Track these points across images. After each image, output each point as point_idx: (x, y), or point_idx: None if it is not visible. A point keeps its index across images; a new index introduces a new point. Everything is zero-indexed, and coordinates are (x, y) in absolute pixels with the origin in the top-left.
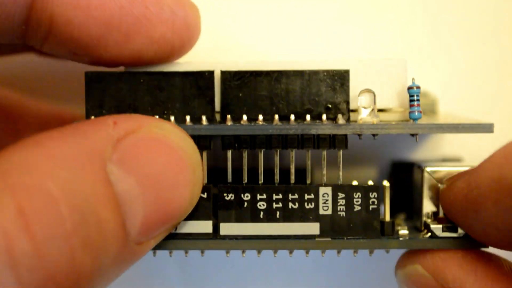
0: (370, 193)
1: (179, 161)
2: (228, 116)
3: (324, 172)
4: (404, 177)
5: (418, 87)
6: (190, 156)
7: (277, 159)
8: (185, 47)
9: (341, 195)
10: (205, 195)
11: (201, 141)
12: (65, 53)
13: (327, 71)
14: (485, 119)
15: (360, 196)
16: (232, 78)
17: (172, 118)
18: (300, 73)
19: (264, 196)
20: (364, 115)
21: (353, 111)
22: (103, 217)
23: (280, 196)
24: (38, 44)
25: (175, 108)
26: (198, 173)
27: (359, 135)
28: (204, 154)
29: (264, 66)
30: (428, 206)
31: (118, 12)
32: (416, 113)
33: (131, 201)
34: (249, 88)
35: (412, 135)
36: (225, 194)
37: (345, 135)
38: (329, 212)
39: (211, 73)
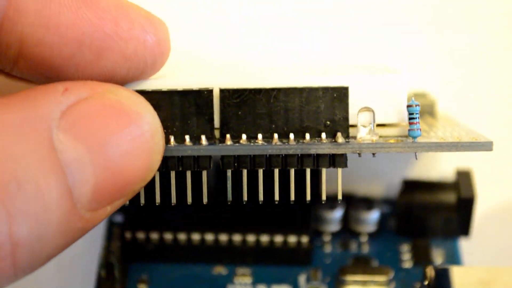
0: None
1: (134, 127)
2: (228, 136)
3: (324, 189)
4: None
5: (417, 105)
6: (147, 122)
7: (276, 178)
8: (157, 63)
9: None
10: None
11: (200, 161)
12: (36, 76)
13: (326, 88)
14: (484, 120)
15: None
16: (231, 96)
17: (172, 137)
18: (298, 90)
19: None
20: (363, 134)
21: (352, 126)
22: (43, 185)
23: None
24: (8, 67)
25: (174, 127)
26: (157, 139)
27: (359, 153)
28: (204, 173)
29: (262, 84)
30: None
31: (89, 30)
32: (416, 131)
33: (80, 169)
34: (248, 106)
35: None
36: None
37: (345, 154)
38: None
39: (210, 91)
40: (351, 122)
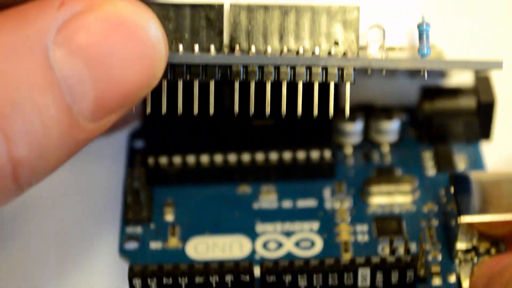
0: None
1: (132, 36)
2: (237, 47)
3: (331, 105)
4: None
5: (428, 24)
6: (147, 31)
7: (284, 91)
8: None
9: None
10: None
11: (208, 71)
12: None
13: (338, 7)
14: None
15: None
16: (242, 11)
17: (181, 46)
18: (310, 8)
19: None
20: (372, 50)
21: (362, 48)
22: (41, 104)
23: None
24: None
25: (184, 39)
26: (159, 48)
27: (367, 70)
28: (211, 83)
29: (274, 0)
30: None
31: None
32: (425, 50)
33: (79, 83)
34: (259, 22)
35: (420, 71)
36: None
37: (354, 69)
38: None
39: (221, 5)
40: (361, 44)
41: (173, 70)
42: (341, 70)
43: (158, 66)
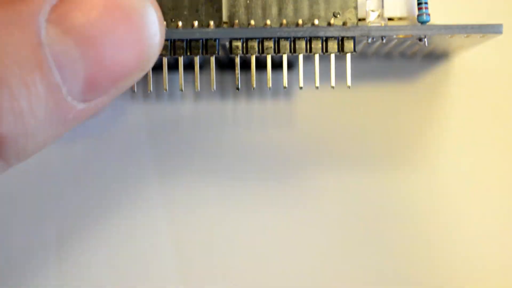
0: None
1: (127, 19)
2: (236, 21)
3: (333, 76)
4: None
5: None
6: (142, 15)
7: (285, 64)
8: None
9: None
10: None
11: (208, 46)
12: None
13: None
14: None
15: None
16: None
17: (180, 23)
18: None
19: None
20: (372, 19)
21: (361, 20)
22: (29, 81)
23: None
24: None
25: (182, 16)
26: (153, 32)
27: (367, 37)
28: (212, 59)
29: None
30: None
31: None
32: (425, 16)
33: (70, 62)
34: None
35: (420, 39)
36: None
37: (354, 37)
38: None
39: None
40: (360, 16)
41: (173, 46)
42: (341, 41)
43: (152, 51)
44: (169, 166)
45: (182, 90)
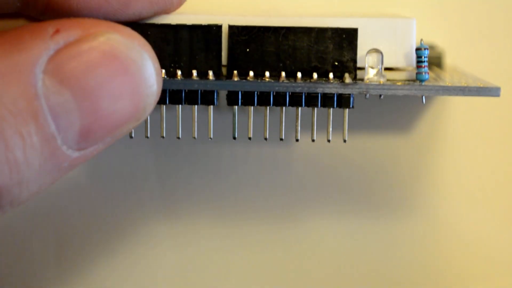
0: None
1: (124, 70)
2: (235, 72)
3: (330, 130)
4: None
5: (426, 48)
6: (139, 67)
7: (282, 116)
8: (181, 2)
9: None
10: None
11: (207, 96)
12: None
13: (335, 29)
14: (491, 73)
15: None
16: (240, 33)
17: (179, 72)
18: (308, 30)
19: None
20: (371, 75)
21: (360, 69)
22: (24, 132)
23: None
24: (37, 17)
25: (182, 62)
26: (150, 84)
27: (365, 94)
28: (210, 109)
29: (272, 22)
30: None
31: None
32: (424, 74)
33: (65, 113)
34: (257, 44)
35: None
36: None
37: (351, 95)
38: None
39: (219, 27)
40: (359, 65)
41: (171, 95)
42: (339, 95)
43: (148, 103)
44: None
45: (179, 138)
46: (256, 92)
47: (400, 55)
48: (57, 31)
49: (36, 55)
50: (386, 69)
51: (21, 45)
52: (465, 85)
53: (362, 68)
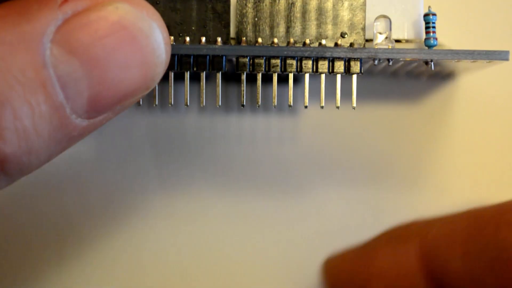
0: None
1: (132, 40)
2: (243, 39)
3: (338, 96)
4: None
5: (434, 14)
6: (147, 36)
7: (291, 83)
8: None
9: None
10: None
11: (215, 62)
12: None
13: None
14: None
15: None
16: (248, 2)
17: (188, 38)
18: None
19: None
20: (379, 41)
21: (368, 40)
22: (32, 101)
23: None
24: None
25: (190, 31)
26: (158, 53)
27: (374, 59)
28: (218, 75)
29: None
30: None
31: None
32: (432, 40)
33: (74, 82)
34: (265, 13)
35: (427, 63)
36: None
37: (360, 59)
38: None
39: None
40: (367, 36)
41: (180, 61)
42: (347, 61)
43: (157, 72)
44: (171, 179)
45: (187, 105)
46: (264, 59)
47: (408, 26)
48: (65, 1)
49: (44, 25)
50: (395, 41)
51: (29, 15)
52: (474, 49)
53: (371, 40)
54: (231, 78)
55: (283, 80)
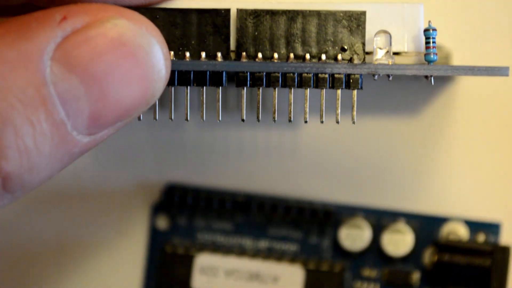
0: None
1: (132, 56)
2: (243, 54)
3: (338, 111)
4: None
5: (434, 30)
6: (147, 52)
7: (291, 97)
8: None
9: None
10: None
11: (215, 78)
12: None
13: (344, 12)
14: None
15: None
16: (249, 17)
17: (188, 54)
18: (316, 13)
19: None
20: (379, 56)
21: (368, 53)
22: (33, 120)
23: None
24: (46, 6)
25: (190, 45)
26: (158, 69)
27: (374, 75)
28: (218, 91)
29: (281, 6)
30: None
31: None
32: (432, 56)
33: (74, 100)
34: (265, 27)
35: (426, 77)
36: None
37: (360, 75)
38: None
39: (228, 11)
40: (367, 49)
41: (180, 77)
42: (348, 76)
43: (157, 87)
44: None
45: (187, 120)
46: (264, 74)
47: (408, 40)
48: (64, 18)
49: (43, 43)
50: (394, 53)
51: (29, 33)
52: (474, 65)
53: (371, 53)
54: (231, 91)
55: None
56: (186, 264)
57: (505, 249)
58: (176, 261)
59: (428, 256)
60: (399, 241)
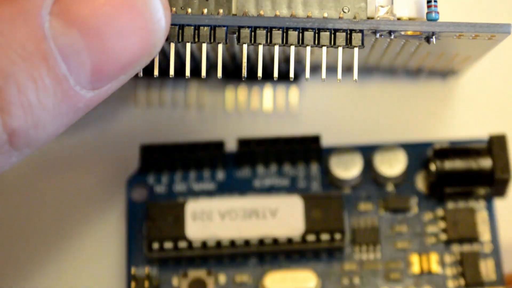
0: None
1: (130, 7)
2: (246, 11)
3: (340, 69)
4: None
5: None
6: (146, 3)
7: (292, 54)
8: None
9: None
10: None
11: (217, 33)
12: None
13: None
14: None
15: None
16: None
17: (189, 9)
18: None
19: None
20: (381, 14)
21: (370, 18)
22: (35, 75)
23: None
24: None
25: (193, 4)
26: (157, 19)
27: (376, 32)
28: (220, 46)
29: None
30: None
31: None
32: (434, 14)
33: (75, 53)
34: None
35: (428, 41)
36: None
37: (362, 31)
38: None
39: None
40: (369, 14)
41: (181, 32)
42: (349, 34)
43: (158, 37)
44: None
45: (188, 77)
46: (266, 30)
47: (410, 4)
48: None
49: None
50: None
51: None
52: (476, 22)
53: (373, 18)
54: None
55: (282, 77)
56: (176, 214)
57: (500, 137)
58: (165, 213)
59: (422, 179)
60: (392, 160)
